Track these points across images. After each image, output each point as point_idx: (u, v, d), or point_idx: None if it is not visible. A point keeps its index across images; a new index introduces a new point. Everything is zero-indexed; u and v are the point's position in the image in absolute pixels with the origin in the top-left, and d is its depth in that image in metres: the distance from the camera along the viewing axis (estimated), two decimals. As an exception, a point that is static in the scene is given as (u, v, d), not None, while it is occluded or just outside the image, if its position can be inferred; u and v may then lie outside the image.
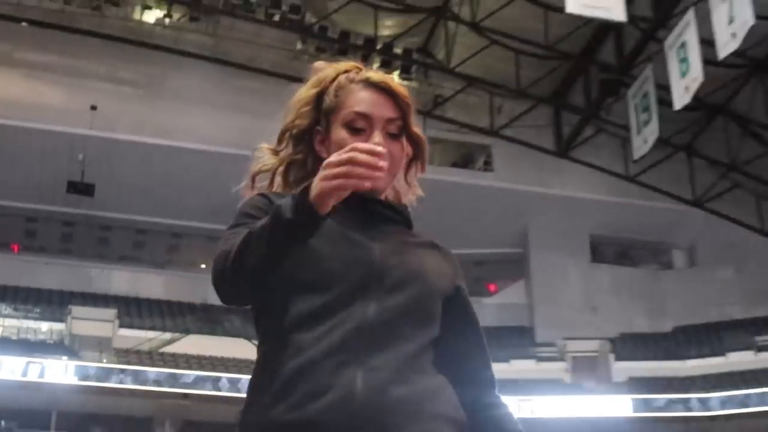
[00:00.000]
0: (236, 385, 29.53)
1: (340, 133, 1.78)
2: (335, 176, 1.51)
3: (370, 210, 1.82)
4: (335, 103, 1.81)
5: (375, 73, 1.85)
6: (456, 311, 1.88)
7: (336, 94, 1.81)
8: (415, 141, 1.86)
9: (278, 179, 1.93)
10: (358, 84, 1.82)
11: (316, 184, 1.52)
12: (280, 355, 1.67)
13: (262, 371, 1.72)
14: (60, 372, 29.44)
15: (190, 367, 31.28)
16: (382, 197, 1.88)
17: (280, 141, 1.93)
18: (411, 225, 1.91)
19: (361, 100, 1.78)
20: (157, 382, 29.97)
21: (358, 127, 1.77)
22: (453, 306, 1.87)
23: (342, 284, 1.68)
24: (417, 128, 1.87)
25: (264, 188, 1.92)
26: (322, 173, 1.53)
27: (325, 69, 1.91)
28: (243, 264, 1.60)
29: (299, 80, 1.94)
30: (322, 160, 1.69)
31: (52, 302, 33.60)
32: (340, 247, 1.72)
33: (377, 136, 1.75)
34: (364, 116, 1.77)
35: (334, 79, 1.85)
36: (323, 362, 1.62)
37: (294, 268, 1.67)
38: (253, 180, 1.95)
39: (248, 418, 1.70)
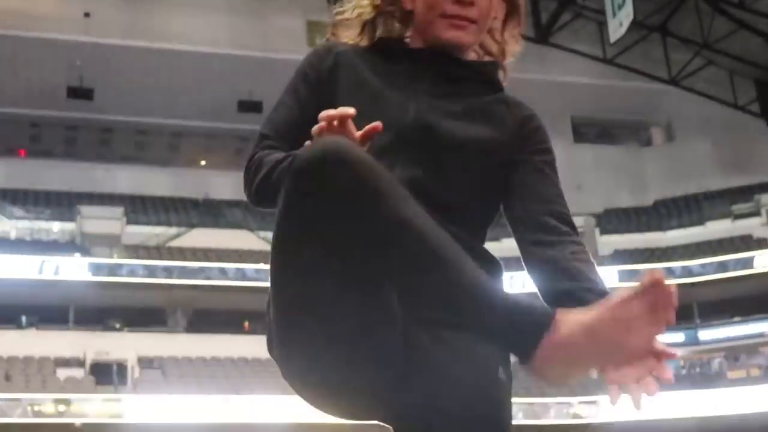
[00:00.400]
0: (242, 274, 30.98)
1: None
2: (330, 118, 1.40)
3: (438, 66, 1.71)
4: None
5: None
6: (526, 168, 1.70)
7: None
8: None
9: (365, 30, 1.77)
10: None
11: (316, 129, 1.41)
12: None
13: None
14: (74, 269, 30.76)
15: (197, 259, 32.58)
16: (470, 53, 1.77)
17: None
18: (493, 82, 1.76)
19: None
20: (167, 275, 31.33)
21: None
22: (523, 163, 1.70)
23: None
24: None
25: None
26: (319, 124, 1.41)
27: None
28: (261, 198, 1.55)
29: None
30: (407, 13, 1.71)
31: (61, 203, 34.69)
32: (372, 107, 1.59)
33: None
34: None
35: None
36: None
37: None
38: (334, 29, 1.81)
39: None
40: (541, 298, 1.53)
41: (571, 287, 1.48)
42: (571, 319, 1.31)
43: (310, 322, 1.40)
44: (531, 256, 1.57)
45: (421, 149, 1.59)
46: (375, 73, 1.68)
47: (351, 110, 1.36)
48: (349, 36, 1.75)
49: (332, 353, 1.41)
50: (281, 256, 1.42)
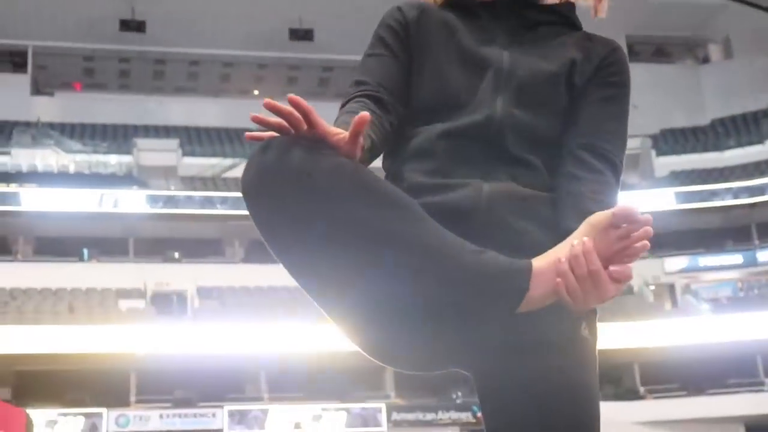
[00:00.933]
0: (299, 203, 31.75)
1: None
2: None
3: (517, 15, 1.70)
4: None
5: None
6: (586, 98, 1.70)
7: None
8: None
9: None
10: None
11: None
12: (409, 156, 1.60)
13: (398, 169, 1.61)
14: (133, 201, 31.61)
15: None
16: None
17: None
18: (571, 22, 1.78)
19: None
20: (224, 206, 32.08)
21: None
22: (584, 93, 1.70)
23: (467, 106, 1.59)
24: None
25: None
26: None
27: None
28: None
29: None
30: None
31: (117, 136, 35.50)
32: (466, 68, 1.63)
33: None
34: None
35: None
36: (453, 167, 1.57)
37: (419, 94, 1.63)
38: None
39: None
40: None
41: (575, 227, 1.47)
42: (546, 265, 1.35)
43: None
44: (557, 187, 1.60)
45: (517, 92, 1.59)
46: (462, 27, 1.67)
47: (367, 115, 1.31)
48: None
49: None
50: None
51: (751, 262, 33.36)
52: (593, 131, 1.64)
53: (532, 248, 1.43)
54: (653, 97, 36.89)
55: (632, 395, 30.39)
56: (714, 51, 40.16)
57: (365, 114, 1.28)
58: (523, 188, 1.56)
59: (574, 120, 1.66)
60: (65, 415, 27.05)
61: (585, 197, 1.53)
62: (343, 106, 1.58)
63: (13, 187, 32.19)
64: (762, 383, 30.10)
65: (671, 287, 34.07)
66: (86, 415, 27.23)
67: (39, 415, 22.28)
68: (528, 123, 1.58)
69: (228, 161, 35.36)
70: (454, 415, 30.09)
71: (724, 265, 33.74)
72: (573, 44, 1.72)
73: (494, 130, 1.56)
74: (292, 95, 1.29)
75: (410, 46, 1.67)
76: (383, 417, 28.90)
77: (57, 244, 32.30)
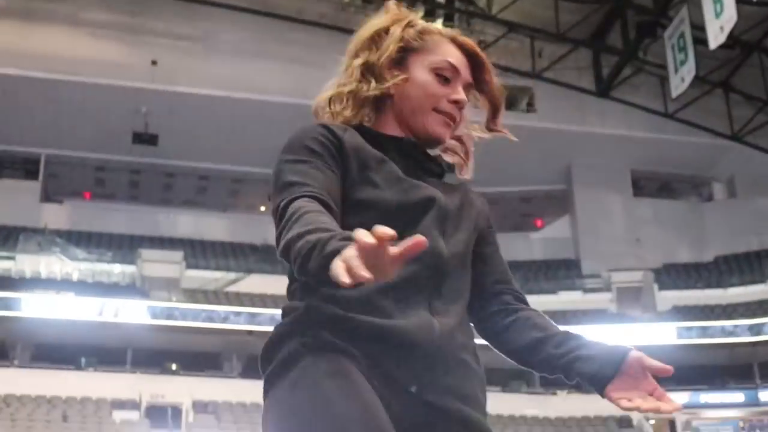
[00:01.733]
0: (298, 321, 32.05)
1: (426, 76, 1.80)
2: (350, 270, 1.29)
3: (415, 158, 1.82)
4: (421, 45, 1.82)
5: (460, 34, 1.89)
6: (488, 244, 1.91)
7: (421, 38, 1.83)
8: (492, 101, 1.92)
9: (346, 109, 1.84)
10: (445, 37, 1.85)
11: (336, 266, 1.30)
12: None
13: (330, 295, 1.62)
14: (134, 312, 32.09)
15: (253, 305, 33.75)
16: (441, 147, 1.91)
17: (363, 72, 1.84)
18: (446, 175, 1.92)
19: (452, 53, 1.81)
20: (224, 320, 32.66)
21: (447, 76, 1.79)
22: (485, 240, 1.90)
23: (415, 221, 1.68)
24: (496, 89, 1.93)
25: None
26: (347, 254, 1.30)
27: (400, 10, 1.90)
28: (288, 259, 1.47)
29: (347, 31, 1.99)
30: (388, 96, 1.80)
31: (123, 246, 36.16)
32: (405, 187, 1.72)
33: (461, 92, 1.80)
34: (454, 69, 1.80)
35: (410, 23, 1.86)
36: (404, 289, 1.63)
37: (363, 212, 1.67)
38: (328, 104, 1.87)
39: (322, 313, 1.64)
40: (509, 354, 1.84)
41: (544, 335, 1.76)
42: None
43: None
44: (496, 323, 1.83)
45: (454, 232, 1.75)
46: (384, 156, 1.77)
47: (392, 232, 1.32)
48: (345, 116, 1.82)
49: None
50: None
51: (753, 401, 33.65)
52: (504, 273, 1.88)
53: (477, 378, 1.71)
54: (657, 231, 38.17)
55: None
56: (718, 190, 40.77)
57: (423, 240, 1.30)
58: (462, 326, 1.73)
59: (484, 264, 1.86)
60: None
61: (534, 317, 1.79)
62: (289, 203, 1.56)
63: (15, 293, 32.64)
64: None
65: (672, 423, 33.87)
66: None
67: None
68: (460, 261, 1.76)
69: (232, 275, 35.83)
70: None
71: (725, 402, 34.09)
72: (471, 195, 1.90)
73: (442, 264, 1.68)
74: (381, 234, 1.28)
75: (342, 164, 1.72)
76: None
77: (55, 351, 32.58)
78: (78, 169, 38.29)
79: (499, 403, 30.44)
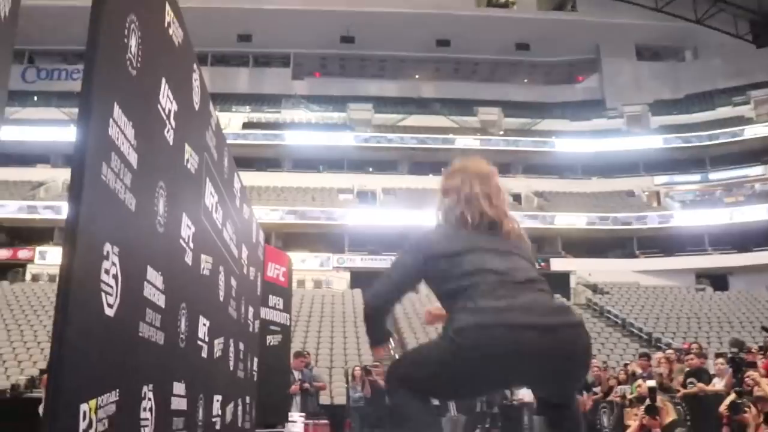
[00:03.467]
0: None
1: None
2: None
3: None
4: None
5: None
6: None
7: None
8: None
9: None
10: None
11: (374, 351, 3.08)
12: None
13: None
14: (345, 139, 45.24)
15: (414, 132, 45.65)
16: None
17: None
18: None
19: None
20: (396, 140, 45.53)
21: None
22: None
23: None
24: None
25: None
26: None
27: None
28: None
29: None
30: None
31: (338, 102, 48.46)
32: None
33: None
34: None
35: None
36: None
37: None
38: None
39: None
40: None
41: None
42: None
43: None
44: None
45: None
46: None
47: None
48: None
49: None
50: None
51: (705, 180, 44.59)
52: None
53: None
54: (649, 81, 48.88)
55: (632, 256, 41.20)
56: (687, 54, 50.76)
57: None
58: None
59: None
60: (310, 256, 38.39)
61: None
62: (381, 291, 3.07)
63: (281, 131, 45.30)
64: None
65: (657, 194, 44.69)
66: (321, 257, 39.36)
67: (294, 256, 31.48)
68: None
69: (400, 116, 47.16)
70: None
71: (689, 180, 44.89)
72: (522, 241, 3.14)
73: None
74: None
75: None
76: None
77: (305, 163, 44.77)
78: (311, 59, 50.52)
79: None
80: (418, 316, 30.18)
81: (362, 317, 2.96)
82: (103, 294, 2.66)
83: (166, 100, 3.60)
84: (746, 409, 7.26)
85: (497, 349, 2.62)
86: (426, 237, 2.96)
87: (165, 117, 3.59)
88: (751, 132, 44.00)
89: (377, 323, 2.99)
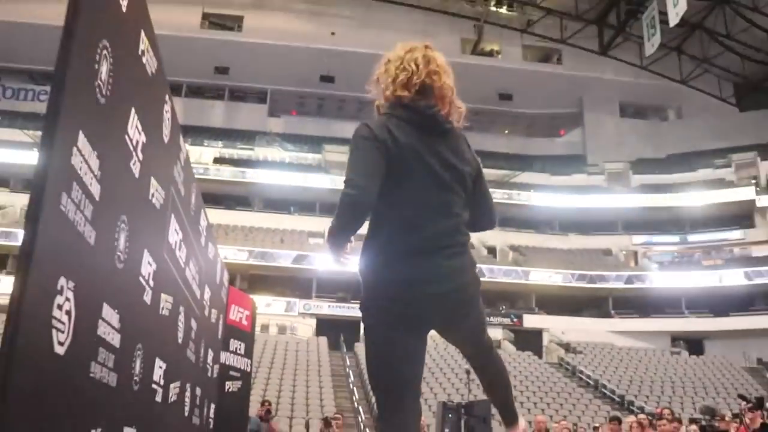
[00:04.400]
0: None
1: None
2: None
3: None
4: None
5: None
6: (478, 183, 3.08)
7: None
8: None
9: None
10: None
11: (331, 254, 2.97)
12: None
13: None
14: (321, 183, 47.78)
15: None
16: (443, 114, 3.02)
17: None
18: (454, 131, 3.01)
19: None
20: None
21: None
22: (477, 180, 3.06)
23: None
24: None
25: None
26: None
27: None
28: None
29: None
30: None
31: (313, 143, 48.61)
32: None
33: None
34: None
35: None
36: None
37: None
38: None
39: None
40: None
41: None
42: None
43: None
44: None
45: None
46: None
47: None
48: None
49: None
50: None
51: (684, 242, 45.57)
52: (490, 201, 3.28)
53: None
54: (632, 138, 50.18)
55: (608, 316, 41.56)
56: (671, 113, 52.12)
57: None
58: None
59: (479, 195, 3.21)
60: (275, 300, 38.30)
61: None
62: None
63: (253, 170, 45.48)
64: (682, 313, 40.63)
65: (635, 253, 45.64)
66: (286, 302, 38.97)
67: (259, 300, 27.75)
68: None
69: None
70: (500, 319, 40.28)
71: (667, 241, 45.82)
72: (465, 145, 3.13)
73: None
74: None
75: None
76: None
77: (276, 203, 44.89)
78: (288, 97, 50.63)
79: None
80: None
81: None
82: (54, 330, 2.59)
83: (135, 131, 3.56)
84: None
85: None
86: None
87: (132, 148, 3.54)
88: (732, 195, 44.86)
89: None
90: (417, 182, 2.98)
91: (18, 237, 34.98)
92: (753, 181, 44.89)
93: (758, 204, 43.77)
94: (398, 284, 2.93)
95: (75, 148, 2.72)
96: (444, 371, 29.21)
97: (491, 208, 3.31)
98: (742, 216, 44.37)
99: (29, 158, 39.23)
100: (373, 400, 2.78)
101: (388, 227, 3.00)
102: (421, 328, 3.04)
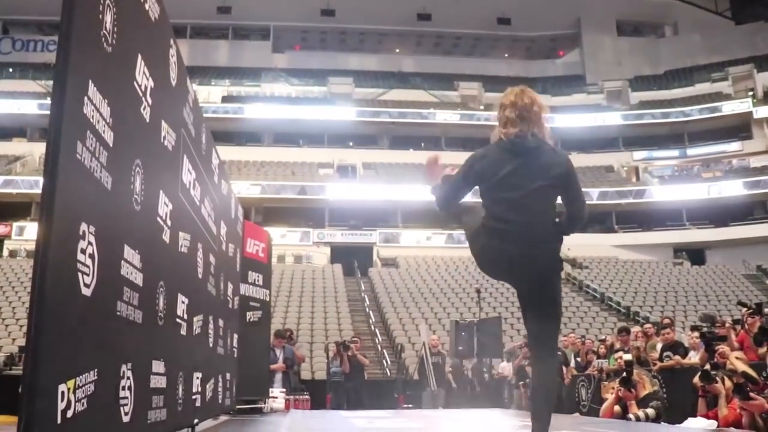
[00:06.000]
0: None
1: None
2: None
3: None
4: None
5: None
6: (566, 187, 3.84)
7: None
8: None
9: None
10: None
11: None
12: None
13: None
14: (344, 113, 45.60)
15: (393, 107, 46.23)
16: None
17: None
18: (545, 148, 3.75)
19: None
20: (376, 114, 46.04)
21: None
22: (564, 184, 3.79)
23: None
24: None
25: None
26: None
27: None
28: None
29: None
30: None
31: (317, 76, 48.61)
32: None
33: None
34: None
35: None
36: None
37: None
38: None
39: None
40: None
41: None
42: None
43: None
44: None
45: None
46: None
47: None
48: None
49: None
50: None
51: (683, 156, 45.65)
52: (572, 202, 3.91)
53: None
54: (630, 56, 49.87)
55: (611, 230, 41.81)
56: (668, 30, 50.95)
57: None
58: None
59: (567, 198, 3.97)
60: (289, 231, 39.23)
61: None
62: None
63: (261, 105, 45.31)
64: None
65: (636, 169, 45.49)
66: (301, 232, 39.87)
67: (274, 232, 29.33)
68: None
69: (380, 90, 47.56)
70: None
71: (667, 156, 45.74)
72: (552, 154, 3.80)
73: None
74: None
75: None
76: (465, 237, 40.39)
77: (286, 137, 45.19)
78: (291, 33, 50.33)
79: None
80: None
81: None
82: (79, 274, 2.64)
83: (143, 77, 3.56)
84: (717, 379, 7.36)
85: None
86: None
87: (141, 94, 3.55)
88: (729, 108, 44.86)
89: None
90: None
91: (39, 185, 34.93)
92: (750, 94, 44.60)
93: (755, 116, 43.59)
94: None
95: (86, 98, 2.74)
96: (456, 291, 29.40)
97: None
98: (740, 128, 44.34)
99: (44, 107, 38.96)
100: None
101: None
102: None
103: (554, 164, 3.88)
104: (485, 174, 3.88)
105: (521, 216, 3.81)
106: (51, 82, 2.56)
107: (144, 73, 3.59)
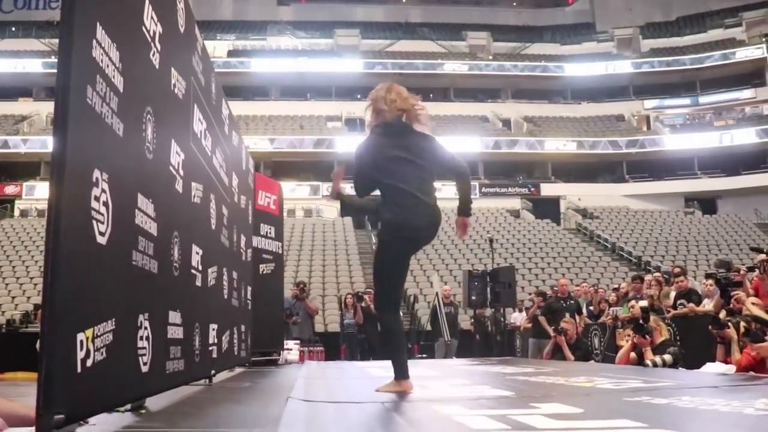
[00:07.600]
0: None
1: None
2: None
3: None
4: None
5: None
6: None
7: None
8: None
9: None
10: None
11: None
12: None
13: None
14: (351, 66, 46.92)
15: (397, 58, 46.22)
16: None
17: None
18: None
19: None
20: (390, 66, 48.92)
21: None
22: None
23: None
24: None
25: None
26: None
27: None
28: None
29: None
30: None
31: (324, 28, 47.84)
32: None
33: None
34: None
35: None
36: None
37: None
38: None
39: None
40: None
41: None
42: None
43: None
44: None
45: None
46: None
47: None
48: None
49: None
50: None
51: (695, 104, 45.06)
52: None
53: None
54: (641, 2, 48.33)
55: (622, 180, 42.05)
56: None
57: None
58: None
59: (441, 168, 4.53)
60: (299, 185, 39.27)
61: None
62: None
63: (266, 59, 45.26)
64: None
65: (647, 118, 45.14)
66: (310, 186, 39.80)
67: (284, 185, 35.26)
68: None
69: (387, 41, 46.80)
70: (518, 189, 41.43)
71: (678, 104, 45.35)
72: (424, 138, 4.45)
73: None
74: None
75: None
76: (477, 189, 37.53)
77: (294, 90, 44.96)
78: None
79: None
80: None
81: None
82: (94, 222, 2.59)
83: (151, 22, 3.48)
84: (729, 324, 7.33)
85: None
86: None
87: (150, 39, 3.48)
88: (743, 54, 44.25)
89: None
90: None
91: (47, 144, 35.11)
92: (764, 39, 43.83)
93: (769, 61, 40.75)
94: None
95: (94, 41, 2.66)
96: (467, 242, 29.36)
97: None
98: (754, 75, 43.60)
99: (49, 66, 38.75)
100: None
101: None
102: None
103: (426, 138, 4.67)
104: None
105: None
106: (56, 41, 2.48)
107: (152, 17, 3.52)
